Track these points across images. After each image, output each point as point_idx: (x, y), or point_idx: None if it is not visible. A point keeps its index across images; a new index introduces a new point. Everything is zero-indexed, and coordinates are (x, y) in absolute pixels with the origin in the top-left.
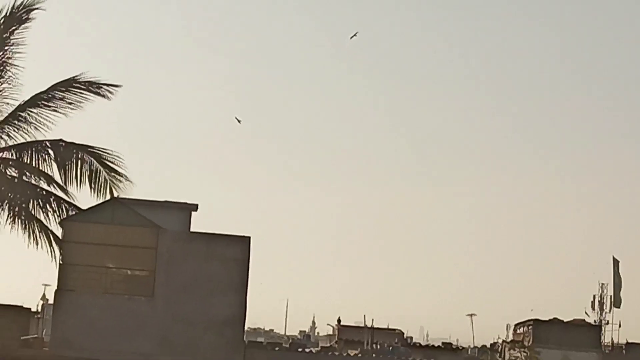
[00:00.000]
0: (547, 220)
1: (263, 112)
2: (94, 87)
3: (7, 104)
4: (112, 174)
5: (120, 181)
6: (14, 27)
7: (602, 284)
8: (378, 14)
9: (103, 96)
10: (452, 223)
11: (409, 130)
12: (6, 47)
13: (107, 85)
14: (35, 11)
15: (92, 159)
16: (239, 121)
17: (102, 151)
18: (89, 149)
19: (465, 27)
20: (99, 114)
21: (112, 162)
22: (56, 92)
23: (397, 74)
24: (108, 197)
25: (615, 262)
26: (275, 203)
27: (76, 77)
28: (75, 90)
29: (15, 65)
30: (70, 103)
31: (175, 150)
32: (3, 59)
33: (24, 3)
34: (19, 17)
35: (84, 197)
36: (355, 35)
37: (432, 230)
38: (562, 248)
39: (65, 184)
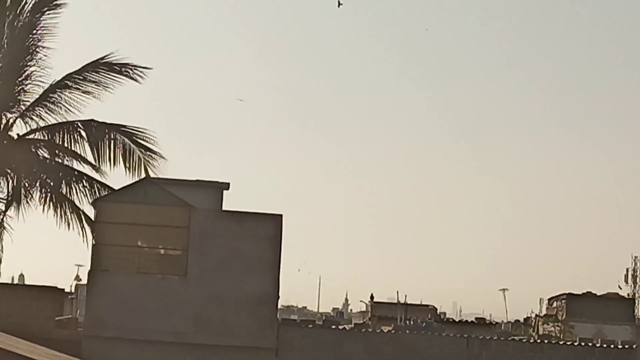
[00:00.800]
0: (580, 194)
1: (296, 94)
2: (125, 69)
3: (38, 85)
4: (147, 152)
5: (155, 159)
6: (44, 10)
7: (636, 256)
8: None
9: (134, 79)
10: (484, 198)
11: (439, 107)
12: (36, 30)
13: (138, 67)
14: None
15: (125, 139)
16: (241, 100)
17: (135, 130)
18: (122, 128)
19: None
20: (131, 94)
21: (145, 141)
22: (87, 73)
23: (428, 59)
24: (143, 175)
25: None
26: (308, 182)
27: (106, 57)
28: (107, 72)
29: (46, 48)
30: (101, 85)
31: (208, 130)
32: (33, 42)
33: None
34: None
35: (118, 176)
36: (340, 3)
37: (465, 206)
38: (595, 221)
39: (98, 164)
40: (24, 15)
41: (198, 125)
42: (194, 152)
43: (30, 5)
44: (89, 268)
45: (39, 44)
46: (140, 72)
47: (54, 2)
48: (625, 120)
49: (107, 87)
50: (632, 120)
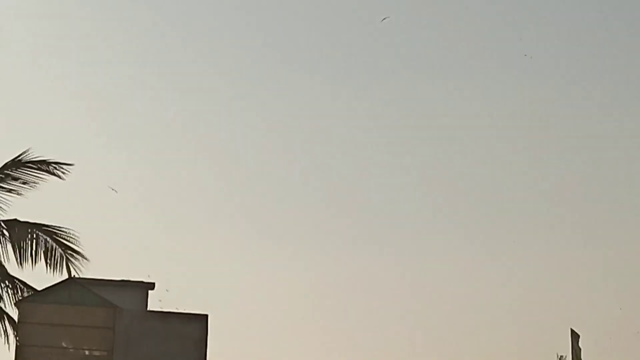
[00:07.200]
0: (502, 291)
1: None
2: (47, 167)
3: None
4: (68, 251)
5: (77, 259)
6: None
7: (561, 356)
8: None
9: (57, 176)
10: (393, 292)
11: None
12: None
13: (60, 163)
14: None
15: (47, 238)
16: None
17: (56, 229)
18: (44, 228)
19: None
20: (54, 191)
21: (67, 240)
22: (8, 172)
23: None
24: (64, 275)
25: (574, 335)
26: (235, 279)
27: (24, 154)
28: (28, 170)
29: None
30: (24, 183)
31: (132, 227)
32: None
33: None
34: None
35: (39, 276)
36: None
37: (383, 301)
38: (520, 319)
39: (20, 264)
40: None
41: (121, 222)
42: (119, 250)
43: None
44: None
45: None
46: (63, 168)
47: None
48: (548, 208)
49: (30, 184)
50: (555, 207)
